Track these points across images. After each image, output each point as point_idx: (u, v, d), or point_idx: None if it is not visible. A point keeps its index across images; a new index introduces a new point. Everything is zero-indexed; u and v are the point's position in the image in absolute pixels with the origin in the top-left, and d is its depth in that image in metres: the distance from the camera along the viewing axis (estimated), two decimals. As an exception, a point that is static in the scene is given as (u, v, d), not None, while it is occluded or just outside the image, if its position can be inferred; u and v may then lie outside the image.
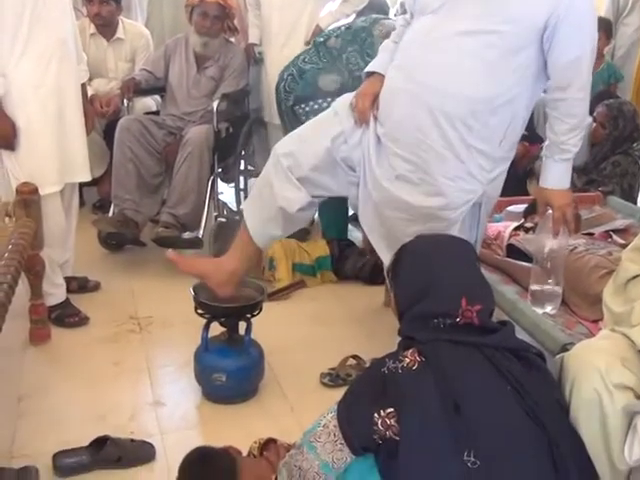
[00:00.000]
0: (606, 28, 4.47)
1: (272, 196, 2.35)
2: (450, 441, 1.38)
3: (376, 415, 1.44)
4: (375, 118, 2.26)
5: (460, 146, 2.14)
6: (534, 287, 2.27)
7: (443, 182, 2.18)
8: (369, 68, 2.39)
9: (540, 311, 2.26)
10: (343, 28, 3.45)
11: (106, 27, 4.11)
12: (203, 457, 1.80)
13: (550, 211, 2.25)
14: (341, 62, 3.30)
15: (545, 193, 2.27)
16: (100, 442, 2.09)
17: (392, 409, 1.43)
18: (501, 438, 1.40)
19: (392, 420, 1.43)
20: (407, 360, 1.47)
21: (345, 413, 1.50)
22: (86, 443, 2.11)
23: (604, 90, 4.40)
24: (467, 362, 1.48)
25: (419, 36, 2.19)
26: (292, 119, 3.28)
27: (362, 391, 1.51)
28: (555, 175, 2.25)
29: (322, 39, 3.39)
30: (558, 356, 1.72)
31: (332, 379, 2.55)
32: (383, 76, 2.30)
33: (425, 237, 1.76)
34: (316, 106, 3.18)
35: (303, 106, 3.20)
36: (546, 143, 2.25)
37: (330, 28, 3.56)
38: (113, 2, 4.07)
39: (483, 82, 2.09)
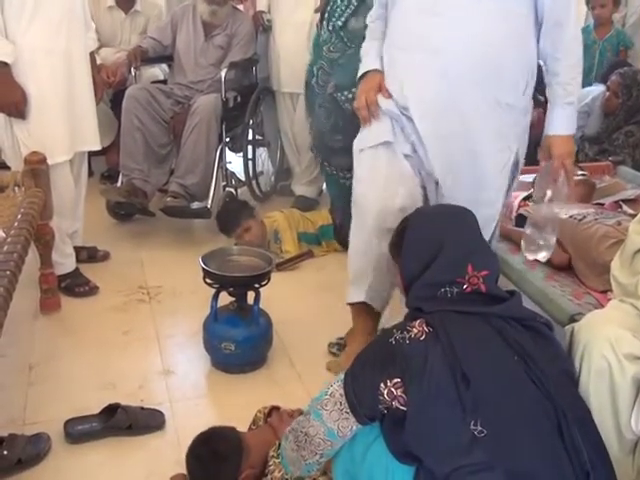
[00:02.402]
0: None
1: None
2: (458, 410, 1.39)
3: (382, 385, 1.45)
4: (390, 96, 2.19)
5: (491, 104, 2.10)
6: (529, 231, 2.27)
7: (487, 147, 2.14)
8: (361, 71, 2.31)
9: (531, 257, 2.26)
10: (355, 2, 3.38)
11: (129, 1, 4.08)
12: (208, 439, 1.81)
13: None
14: None
15: (547, 140, 2.20)
16: (111, 410, 2.12)
17: (399, 379, 1.44)
18: (508, 408, 1.41)
19: (399, 390, 1.44)
20: (415, 331, 1.47)
21: (351, 383, 1.51)
22: (97, 411, 2.14)
23: (618, 60, 4.34)
24: (475, 332, 1.48)
25: (413, 10, 2.13)
26: (333, 106, 3.21)
27: (369, 361, 1.52)
28: (559, 120, 2.18)
29: (340, 24, 3.32)
30: (568, 326, 1.72)
31: (340, 348, 2.56)
32: (380, 71, 2.24)
33: (427, 208, 1.76)
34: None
35: (346, 93, 3.13)
36: (548, 90, 2.18)
37: (343, 2, 3.48)
38: None
39: (497, 32, 2.05)
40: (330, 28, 3.34)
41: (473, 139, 2.14)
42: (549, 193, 2.21)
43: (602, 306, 1.97)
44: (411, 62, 2.15)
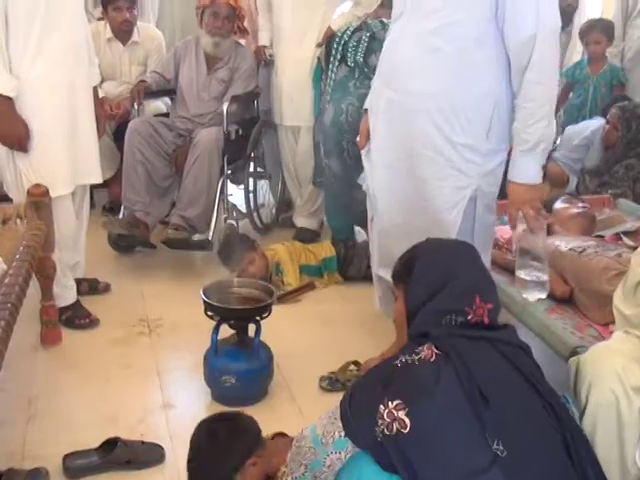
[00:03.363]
0: (607, 30, 4.46)
1: None
2: (475, 430, 1.38)
3: (382, 406, 1.42)
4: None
5: (444, 144, 2.11)
6: (518, 272, 2.27)
7: (436, 184, 2.15)
8: (365, 105, 2.43)
9: (531, 298, 2.26)
10: (366, 38, 3.44)
11: (126, 32, 4.12)
12: (230, 417, 1.87)
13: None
14: None
15: (508, 185, 2.17)
16: (110, 444, 2.10)
17: (400, 401, 1.41)
18: (526, 429, 1.40)
19: (400, 412, 1.40)
20: (423, 353, 1.46)
21: (350, 397, 1.49)
22: (96, 445, 2.11)
23: (618, 94, 4.40)
24: (485, 355, 1.48)
25: (388, 45, 2.21)
26: None
27: (371, 381, 1.50)
28: (516, 168, 2.13)
29: (361, 59, 3.38)
30: (573, 359, 1.72)
31: (331, 383, 2.54)
32: None
33: (435, 240, 1.77)
34: None
35: None
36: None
37: (351, 39, 3.53)
38: (135, 7, 4.10)
39: (453, 77, 2.06)
40: (351, 64, 3.39)
41: (419, 176, 2.16)
42: (523, 243, 2.20)
43: (604, 339, 1.96)
44: (376, 94, 2.26)
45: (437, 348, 1.47)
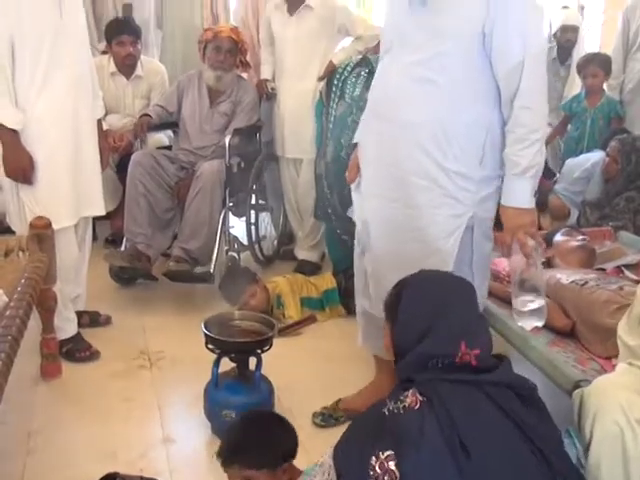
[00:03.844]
0: (604, 64, 4.52)
1: None
2: None
3: (374, 458, 1.41)
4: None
5: (437, 172, 2.11)
6: (515, 300, 2.24)
7: (430, 212, 2.15)
8: (354, 139, 2.45)
9: (528, 327, 2.24)
10: (364, 73, 3.48)
11: (130, 66, 4.17)
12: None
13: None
14: None
15: (501, 211, 2.17)
16: (110, 479, 2.08)
17: (391, 452, 1.40)
18: (508, 478, 1.38)
19: (391, 464, 1.40)
20: (408, 400, 1.46)
21: (341, 456, 1.48)
22: (96, 480, 2.10)
23: (617, 127, 4.44)
24: (469, 401, 1.46)
25: (378, 77, 2.24)
26: None
27: (361, 432, 1.50)
28: (509, 192, 2.12)
29: (358, 94, 3.43)
30: (576, 391, 1.71)
31: (324, 419, 2.52)
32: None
33: (426, 274, 1.72)
34: None
35: None
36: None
37: (351, 75, 3.58)
38: (139, 41, 4.15)
39: (444, 106, 2.06)
40: (349, 100, 3.43)
41: (413, 204, 2.15)
42: (519, 270, 2.17)
43: (607, 372, 1.95)
44: (366, 126, 2.28)
45: (421, 394, 1.46)
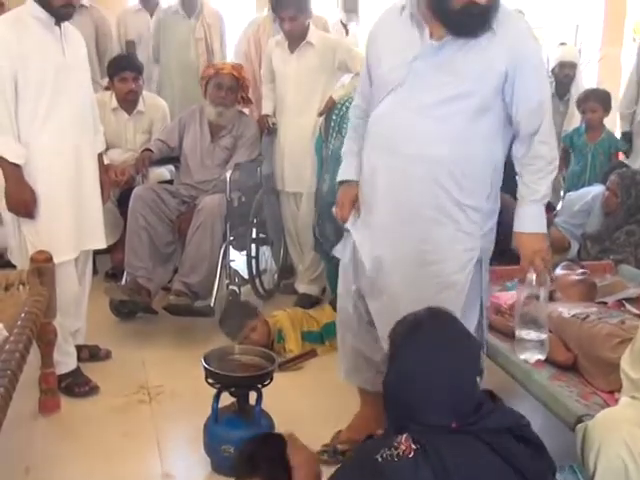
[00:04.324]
0: (603, 100, 4.58)
1: None
2: None
3: None
4: (359, 214, 2.34)
5: (452, 207, 2.16)
6: (518, 332, 2.28)
7: (446, 247, 2.18)
8: (340, 177, 2.45)
9: (531, 360, 2.27)
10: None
11: (132, 102, 4.21)
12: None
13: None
14: None
15: (517, 239, 2.26)
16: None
17: None
18: None
19: None
20: (402, 447, 1.43)
21: None
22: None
23: (617, 161, 4.49)
24: (466, 451, 1.44)
25: (384, 115, 2.21)
26: None
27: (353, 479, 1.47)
28: (525, 218, 2.23)
29: None
30: (580, 425, 1.70)
31: (330, 455, 2.49)
32: (355, 182, 2.36)
33: (424, 330, 1.65)
34: None
35: None
36: (518, 192, 2.25)
37: (349, 111, 3.62)
38: (140, 77, 4.20)
39: (461, 143, 2.12)
40: (345, 135, 3.47)
41: (429, 239, 2.18)
42: (528, 307, 2.22)
43: (610, 407, 1.94)
44: (371, 163, 2.25)
45: (415, 441, 1.44)
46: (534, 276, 2.20)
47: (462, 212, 2.17)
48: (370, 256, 2.27)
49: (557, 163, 2.25)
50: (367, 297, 2.34)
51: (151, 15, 4.99)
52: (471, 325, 2.19)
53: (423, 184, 2.14)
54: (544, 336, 2.27)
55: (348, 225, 2.37)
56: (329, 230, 3.53)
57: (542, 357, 2.29)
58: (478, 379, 1.63)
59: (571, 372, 2.31)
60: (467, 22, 2.05)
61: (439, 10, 2.05)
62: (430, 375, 1.55)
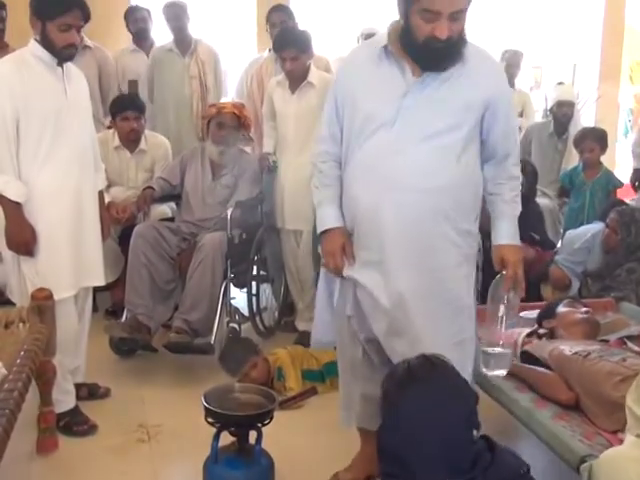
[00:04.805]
0: (600, 139, 4.65)
1: None
2: None
3: None
4: (353, 259, 2.30)
5: (454, 233, 2.24)
6: (484, 348, 2.32)
7: (454, 272, 2.25)
8: (322, 227, 2.37)
9: (490, 373, 2.32)
10: None
11: (134, 141, 4.24)
12: None
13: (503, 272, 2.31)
14: None
15: (500, 249, 2.34)
16: None
17: None
18: None
19: None
20: None
21: None
22: None
23: (616, 199, 4.52)
24: None
25: (386, 151, 2.20)
26: None
27: None
28: (509, 231, 2.35)
29: None
30: (585, 465, 1.69)
31: None
32: (341, 227, 2.32)
33: (417, 383, 1.64)
34: None
35: None
36: (494, 210, 2.37)
37: None
38: (142, 116, 4.24)
39: (459, 172, 2.22)
40: None
41: (440, 268, 2.24)
42: (502, 308, 2.28)
43: (613, 446, 1.92)
44: (380, 200, 2.21)
45: None
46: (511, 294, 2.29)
47: (460, 236, 2.26)
48: (388, 293, 2.23)
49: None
50: (385, 338, 2.28)
51: (147, 55, 5.07)
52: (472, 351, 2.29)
53: (432, 215, 2.21)
54: (508, 351, 2.35)
55: (346, 273, 2.30)
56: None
57: (503, 373, 2.35)
58: (475, 432, 1.61)
59: (574, 411, 2.29)
60: (431, 56, 2.12)
61: (407, 45, 2.17)
62: (424, 429, 1.54)
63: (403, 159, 2.18)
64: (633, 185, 5.09)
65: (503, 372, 2.35)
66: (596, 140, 4.60)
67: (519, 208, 2.37)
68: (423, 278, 2.22)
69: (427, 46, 2.09)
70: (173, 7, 4.76)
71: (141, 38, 5.12)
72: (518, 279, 2.29)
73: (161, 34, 5.13)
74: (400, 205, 2.20)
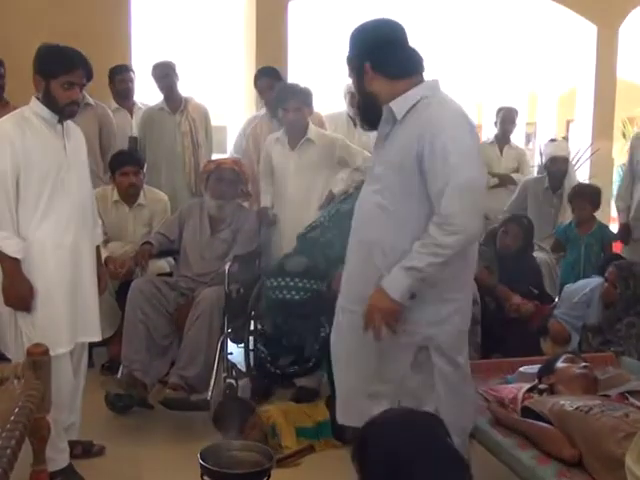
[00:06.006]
0: (593, 198, 4.71)
1: None
2: None
3: None
4: None
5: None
6: None
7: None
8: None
9: None
10: (327, 215, 3.64)
11: (133, 195, 4.27)
12: None
13: None
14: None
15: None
16: None
17: None
18: None
19: None
20: None
21: None
22: None
23: (614, 253, 4.56)
24: None
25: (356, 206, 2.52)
26: None
27: None
28: (389, 276, 2.30)
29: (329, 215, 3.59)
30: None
31: None
32: None
33: (390, 425, 1.63)
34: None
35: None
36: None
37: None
38: (141, 172, 4.28)
39: (390, 227, 2.35)
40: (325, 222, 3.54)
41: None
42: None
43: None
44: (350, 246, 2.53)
45: None
46: None
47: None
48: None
49: (448, 254, 2.25)
50: None
51: (130, 113, 5.19)
52: None
53: (362, 263, 2.45)
54: None
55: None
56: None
57: None
58: None
59: (577, 468, 2.26)
60: (362, 118, 2.55)
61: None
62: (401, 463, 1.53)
63: (357, 211, 2.52)
64: (622, 241, 5.10)
65: None
66: (587, 199, 4.69)
67: (414, 262, 2.25)
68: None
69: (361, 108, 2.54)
70: (162, 67, 4.88)
71: (124, 98, 5.21)
72: (370, 321, 2.31)
73: (148, 92, 5.27)
74: (350, 251, 2.55)
